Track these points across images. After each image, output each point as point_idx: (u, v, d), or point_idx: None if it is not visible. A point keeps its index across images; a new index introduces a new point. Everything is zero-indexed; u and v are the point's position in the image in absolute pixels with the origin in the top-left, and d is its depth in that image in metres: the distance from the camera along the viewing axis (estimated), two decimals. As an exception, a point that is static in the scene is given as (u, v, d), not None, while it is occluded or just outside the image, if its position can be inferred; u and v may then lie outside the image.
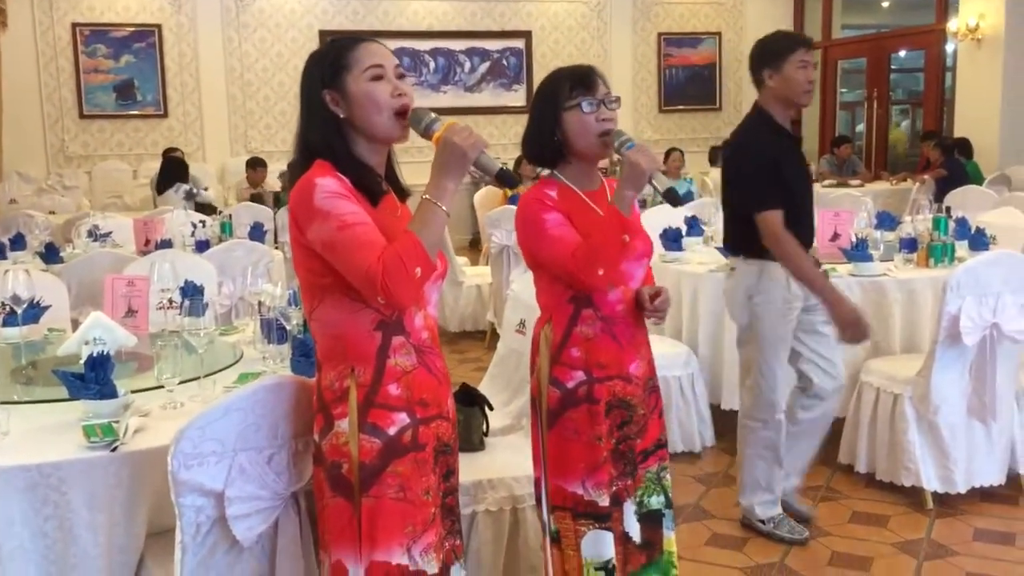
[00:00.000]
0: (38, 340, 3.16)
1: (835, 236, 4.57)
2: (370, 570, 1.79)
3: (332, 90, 1.84)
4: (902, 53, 12.45)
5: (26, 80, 10.02)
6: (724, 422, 4.33)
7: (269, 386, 1.98)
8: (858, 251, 4.03)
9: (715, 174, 9.31)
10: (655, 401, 2.37)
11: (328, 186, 1.77)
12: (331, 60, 1.85)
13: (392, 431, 1.81)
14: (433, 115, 1.85)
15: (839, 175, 9.69)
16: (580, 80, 2.24)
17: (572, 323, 2.26)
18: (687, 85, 12.49)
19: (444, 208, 1.78)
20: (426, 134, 1.84)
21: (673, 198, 2.25)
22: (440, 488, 1.89)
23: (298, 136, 1.90)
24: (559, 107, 2.24)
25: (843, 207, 5.35)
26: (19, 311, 3.12)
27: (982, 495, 3.60)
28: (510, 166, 8.58)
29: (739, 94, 12.60)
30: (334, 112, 1.84)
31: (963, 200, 7.16)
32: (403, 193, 1.98)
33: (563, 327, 2.26)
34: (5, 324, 3.14)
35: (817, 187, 9.10)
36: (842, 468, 3.90)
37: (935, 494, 3.55)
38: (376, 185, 1.87)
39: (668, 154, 8.67)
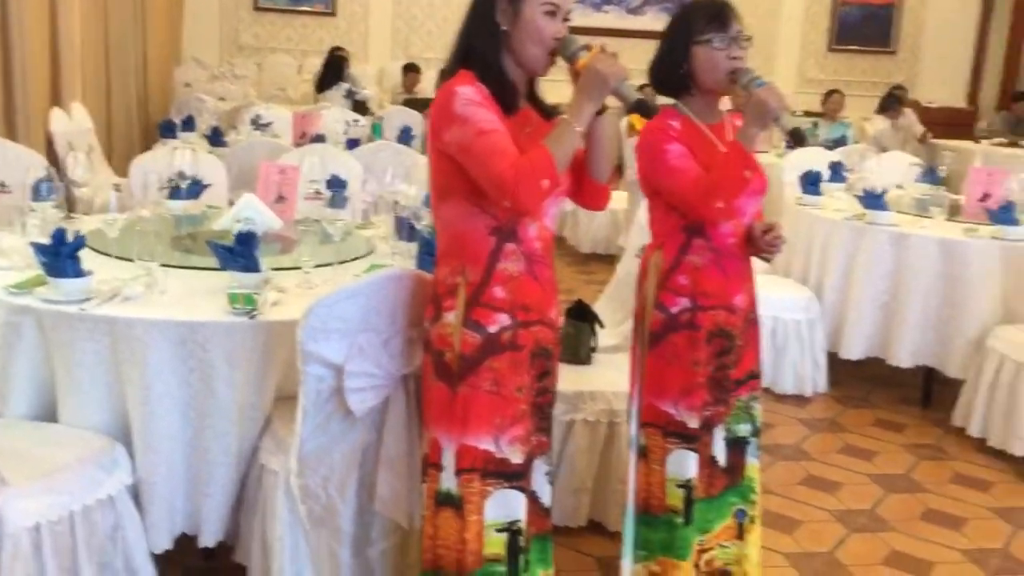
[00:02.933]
0: (197, 214, 3.45)
1: (984, 196, 4.41)
2: (460, 451, 1.97)
3: (507, 2, 1.93)
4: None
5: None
6: (841, 370, 4.32)
7: (391, 276, 2.16)
8: (1003, 213, 3.89)
9: (878, 122, 8.93)
10: (753, 334, 2.44)
11: (467, 94, 1.89)
12: None
13: (492, 329, 1.95)
14: (580, 44, 1.96)
15: (1013, 134, 9.13)
16: (715, 15, 2.27)
17: (683, 251, 2.33)
18: (862, 24, 11.88)
19: (579, 129, 1.89)
20: (571, 60, 1.95)
21: (798, 138, 2.29)
22: (533, 387, 2.03)
23: (458, 38, 2.00)
24: (691, 39, 2.27)
25: (1006, 167, 5.11)
26: (183, 186, 3.43)
27: (1097, 476, 3.51)
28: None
29: (919, 37, 11.94)
30: (499, 22, 1.94)
31: None
32: (546, 112, 2.07)
33: (673, 254, 2.34)
34: (171, 197, 3.45)
35: (984, 144, 8.68)
36: (954, 430, 3.86)
37: (1047, 468, 3.49)
38: (512, 97, 1.98)
39: (828, 96, 8.36)
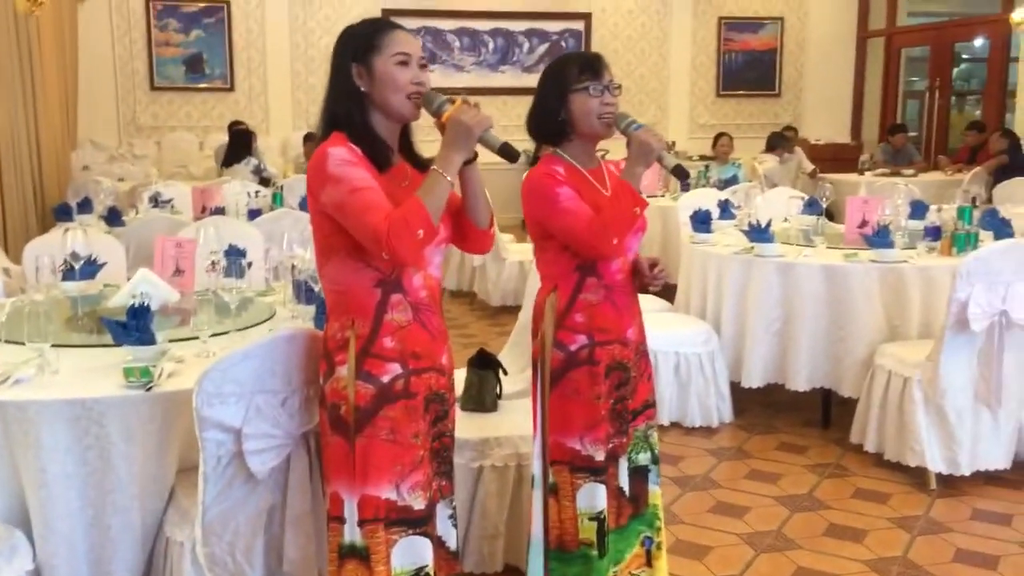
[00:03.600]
0: (94, 294, 3.43)
1: (863, 223, 4.64)
2: (362, 502, 2.00)
3: (360, 65, 2.04)
4: (977, 43, 12.22)
5: (101, 53, 10.45)
6: (744, 399, 4.46)
7: (284, 336, 2.20)
8: (878, 237, 4.11)
9: (768, 160, 9.33)
10: (645, 365, 2.54)
11: (340, 155, 1.97)
12: (364, 39, 2.04)
13: (385, 379, 2.01)
14: (444, 97, 2.05)
15: (894, 164, 9.62)
16: (588, 65, 2.40)
17: (577, 290, 2.42)
18: (746, 70, 12.43)
19: (449, 178, 1.98)
20: (437, 114, 2.04)
21: (680, 174, 2.42)
22: (430, 432, 2.09)
23: (323, 106, 2.10)
24: (567, 88, 2.39)
25: (886, 195, 5.39)
26: (76, 267, 3.40)
27: (987, 479, 3.68)
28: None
29: (800, 80, 12.54)
30: (357, 85, 2.04)
31: (1011, 192, 7.13)
32: (421, 165, 2.15)
33: (568, 294, 2.43)
34: (64, 278, 3.42)
35: (868, 175, 9.13)
36: (853, 447, 4.00)
37: (939, 476, 3.64)
38: (384, 155, 2.06)
39: (717, 139, 8.71)
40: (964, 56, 12.59)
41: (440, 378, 2.11)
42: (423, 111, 2.08)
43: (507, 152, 2.04)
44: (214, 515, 2.19)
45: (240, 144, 8.57)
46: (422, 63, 2.07)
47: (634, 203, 2.31)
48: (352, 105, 2.05)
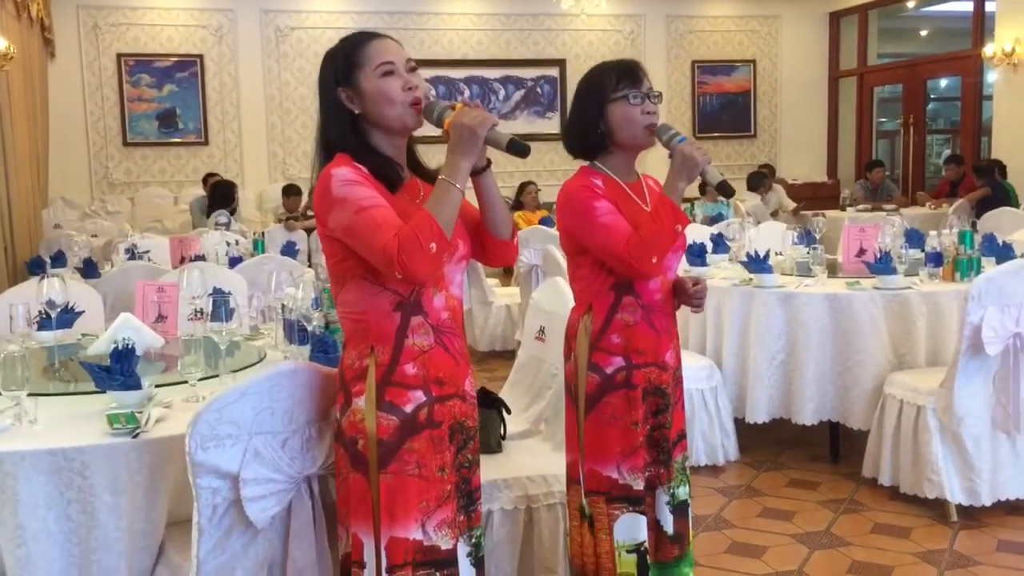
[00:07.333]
0: (71, 343, 3.26)
1: (860, 251, 4.57)
2: (390, 546, 1.85)
3: (346, 87, 1.93)
4: (942, 83, 12.38)
5: (72, 109, 10.33)
6: (748, 436, 4.32)
7: (285, 371, 2.04)
8: (882, 264, 4.02)
9: (750, 199, 9.32)
10: (680, 393, 2.41)
11: (344, 175, 1.85)
12: (344, 59, 1.94)
13: (408, 409, 1.87)
14: (444, 104, 1.93)
15: (873, 199, 9.64)
16: (626, 73, 2.29)
17: (613, 310, 2.30)
18: (721, 112, 12.54)
19: (458, 186, 1.85)
20: (439, 122, 1.92)
21: (725, 189, 2.33)
22: (455, 463, 1.94)
23: (318, 134, 1.99)
24: (605, 98, 2.28)
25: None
26: (53, 315, 3.23)
27: (1008, 508, 3.55)
28: (541, 192, 8.65)
29: (774, 121, 12.65)
30: (349, 108, 1.92)
31: (997, 223, 7.10)
32: (433, 179, 2.00)
33: (604, 314, 2.30)
34: (40, 328, 3.24)
35: (850, 210, 9.13)
36: (866, 481, 3.87)
37: (960, 507, 3.51)
38: (392, 172, 1.94)
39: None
40: (932, 96, 12.75)
41: (464, 406, 1.97)
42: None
43: (516, 148, 1.91)
44: (210, 570, 2.01)
45: (222, 197, 8.34)
46: (411, 67, 1.95)
47: (675, 220, 2.20)
48: (347, 129, 1.94)
